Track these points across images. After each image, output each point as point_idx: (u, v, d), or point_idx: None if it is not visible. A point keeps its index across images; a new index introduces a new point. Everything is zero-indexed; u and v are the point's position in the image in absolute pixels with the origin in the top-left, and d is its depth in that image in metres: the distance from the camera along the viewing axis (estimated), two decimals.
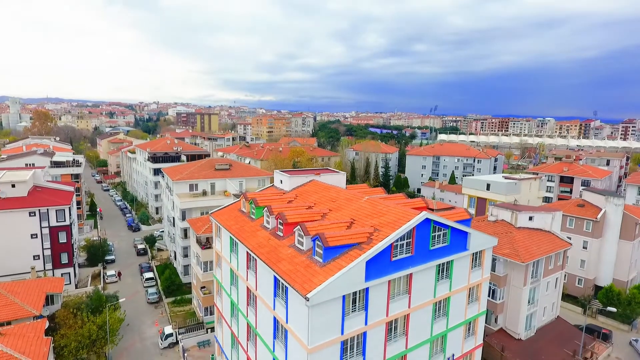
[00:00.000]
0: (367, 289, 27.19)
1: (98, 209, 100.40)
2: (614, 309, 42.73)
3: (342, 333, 26.32)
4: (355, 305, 26.95)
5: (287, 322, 27.42)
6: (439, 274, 31.89)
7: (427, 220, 29.90)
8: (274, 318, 29.47)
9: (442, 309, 33.19)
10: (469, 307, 35.49)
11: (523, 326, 42.97)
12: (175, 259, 69.41)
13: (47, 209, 57.70)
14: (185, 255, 63.63)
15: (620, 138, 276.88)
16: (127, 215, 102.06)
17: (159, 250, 79.87)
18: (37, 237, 57.50)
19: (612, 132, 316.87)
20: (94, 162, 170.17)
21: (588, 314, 55.93)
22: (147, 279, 64.29)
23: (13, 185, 57.26)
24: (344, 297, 25.90)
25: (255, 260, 32.08)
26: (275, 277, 28.80)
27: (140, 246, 78.87)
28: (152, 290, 60.65)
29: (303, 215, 33.09)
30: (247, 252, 33.60)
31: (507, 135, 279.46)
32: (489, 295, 41.20)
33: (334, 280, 24.91)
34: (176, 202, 64.59)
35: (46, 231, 57.96)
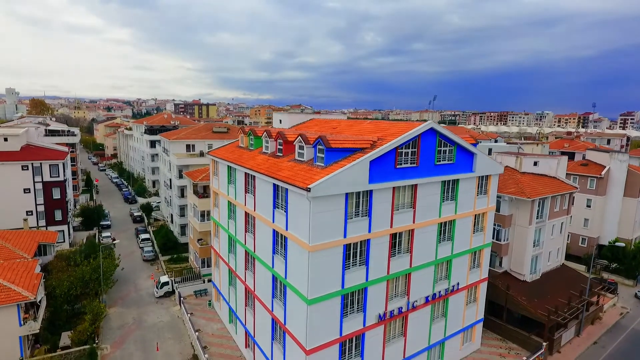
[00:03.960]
0: (370, 194, 26.10)
1: (94, 180, 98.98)
2: (621, 244, 41.63)
3: (345, 236, 25.21)
4: (358, 210, 25.84)
5: (287, 229, 26.29)
6: (444, 193, 30.84)
7: (433, 133, 28.87)
8: (274, 232, 28.35)
9: (448, 233, 32.13)
10: (474, 237, 34.49)
11: (528, 268, 41.89)
12: (172, 221, 68.16)
13: (41, 163, 56.33)
14: (182, 215, 62.36)
15: (619, 128, 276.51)
16: (124, 190, 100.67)
17: (156, 220, 78.50)
18: (30, 192, 56.14)
19: (610, 126, 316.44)
20: (90, 146, 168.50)
21: (592, 271, 54.97)
22: (142, 240, 63.05)
23: (5, 139, 55.86)
24: (346, 197, 24.81)
25: (254, 178, 30.98)
26: (274, 186, 27.70)
27: (136, 213, 77.58)
28: (148, 248, 59.40)
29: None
30: (246, 174, 32.48)
31: (506, 126, 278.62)
32: (493, 237, 40.11)
33: (336, 174, 23.85)
34: (172, 161, 63.37)
35: (39, 186, 56.58)
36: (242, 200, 33.62)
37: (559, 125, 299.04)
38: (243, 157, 34.79)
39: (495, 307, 40.77)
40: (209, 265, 50.29)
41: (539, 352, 35.96)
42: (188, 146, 65.72)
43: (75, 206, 78.23)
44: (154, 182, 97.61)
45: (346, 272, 25.82)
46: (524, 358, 34.82)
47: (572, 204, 48.80)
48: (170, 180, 66.88)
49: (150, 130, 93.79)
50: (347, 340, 27.04)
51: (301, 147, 28.21)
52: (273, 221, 28.20)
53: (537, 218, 41.80)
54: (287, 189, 25.92)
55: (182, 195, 61.78)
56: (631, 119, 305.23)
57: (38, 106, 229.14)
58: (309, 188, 22.73)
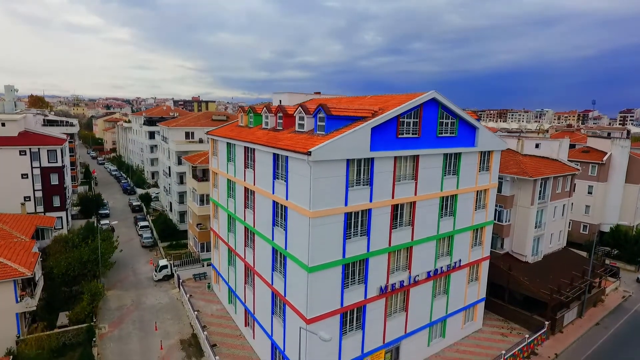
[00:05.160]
0: (372, 163, 25.74)
1: (92, 171, 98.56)
2: (624, 223, 41.20)
3: (346, 204, 24.84)
4: (359, 178, 25.48)
5: (287, 198, 25.93)
6: (446, 167, 30.49)
7: (435, 104, 28.54)
8: (273, 204, 27.99)
9: (449, 208, 31.77)
10: (476, 213, 34.15)
11: (530, 249, 41.55)
12: (171, 209, 67.77)
13: (39, 148, 55.85)
14: (181, 202, 61.98)
15: (619, 125, 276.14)
16: (123, 181, 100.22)
17: (155, 210, 78.02)
18: (27, 177, 55.68)
19: (609, 123, 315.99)
20: (89, 141, 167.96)
21: (594, 258, 54.60)
22: (141, 227, 62.60)
23: (3, 124, 55.40)
24: (347, 164, 24.45)
25: (253, 151, 30.63)
26: (274, 157, 27.37)
27: (135, 203, 77.11)
28: (146, 234, 58.95)
29: None
30: (245, 148, 32.14)
31: (506, 122, 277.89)
32: (495, 218, 39.74)
33: (338, 139, 23.55)
34: (171, 147, 62.99)
35: (37, 172, 56.06)
36: (242, 176, 33.25)
37: (558, 123, 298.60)
38: (242, 133, 34.44)
39: (497, 288, 40.39)
40: (208, 250, 49.92)
41: (541, 331, 35.63)
42: (187, 134, 65.37)
43: (76, 196, 77.74)
44: (152, 174, 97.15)
45: (347, 242, 25.45)
46: (527, 336, 34.45)
47: (574, 190, 48.54)
48: (169, 167, 66.49)
49: (149, 121, 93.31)
50: (349, 312, 26.69)
51: (301, 118, 27.83)
52: (273, 192, 27.83)
53: (539, 199, 41.46)
54: (287, 157, 25.57)
55: (181, 182, 61.40)
56: (630, 116, 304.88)
57: (37, 103, 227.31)
58: (310, 152, 22.37)
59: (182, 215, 62.49)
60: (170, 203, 68.18)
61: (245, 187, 32.83)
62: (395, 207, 27.78)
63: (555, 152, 45.62)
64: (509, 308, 39.49)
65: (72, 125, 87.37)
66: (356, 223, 25.89)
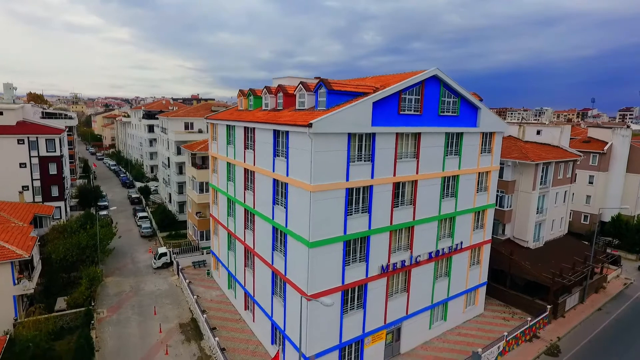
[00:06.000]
0: (373, 139, 25.45)
1: (92, 165, 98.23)
2: (626, 207, 41.10)
3: (347, 179, 24.55)
4: (361, 154, 25.19)
5: (287, 174, 25.63)
6: (447, 147, 30.22)
7: (437, 82, 28.29)
8: (274, 182, 27.70)
9: (451, 189, 31.50)
10: (478, 196, 33.88)
11: (532, 235, 41.31)
12: (170, 201, 67.43)
13: (37, 137, 55.45)
14: (180, 192, 61.66)
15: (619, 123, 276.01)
16: (122, 175, 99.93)
17: (154, 203, 77.70)
18: (26, 166, 55.31)
19: (609, 121, 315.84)
20: (88, 137, 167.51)
21: (595, 248, 54.33)
22: (140, 218, 62.28)
23: (1, 113, 55.08)
24: (349, 138, 24.16)
25: (253, 131, 30.35)
26: (274, 134, 27.10)
27: (134, 195, 76.79)
28: (145, 225, 58.59)
29: None
30: (245, 128, 31.88)
31: (505, 120, 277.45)
32: (496, 204, 39.50)
33: (339, 112, 23.28)
34: (171, 137, 62.68)
35: (35, 161, 55.68)
36: (242, 158, 32.96)
37: (557, 120, 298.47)
38: (242, 115, 34.17)
39: (499, 274, 40.17)
40: (207, 239, 49.64)
41: (543, 315, 35.37)
42: (186, 124, 65.01)
43: (75, 188, 77.40)
44: (152, 168, 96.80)
45: (348, 218, 25.15)
46: (529, 319, 34.19)
47: (575, 180, 48.25)
48: (168, 158, 66.16)
49: (148, 115, 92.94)
50: (350, 290, 26.40)
51: (302, 96, 27.54)
52: (273, 170, 27.54)
53: (540, 184, 41.22)
54: (287, 133, 25.28)
55: (180, 172, 61.11)
56: (630, 114, 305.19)
57: (36, 100, 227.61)
58: (311, 124, 22.09)
59: (181, 205, 62.19)
60: (170, 194, 67.86)
61: (245, 169, 32.54)
62: (396, 185, 27.51)
63: (557, 139, 45.37)
64: (510, 293, 39.23)
65: (70, 118, 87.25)
66: (357, 200, 25.60)
